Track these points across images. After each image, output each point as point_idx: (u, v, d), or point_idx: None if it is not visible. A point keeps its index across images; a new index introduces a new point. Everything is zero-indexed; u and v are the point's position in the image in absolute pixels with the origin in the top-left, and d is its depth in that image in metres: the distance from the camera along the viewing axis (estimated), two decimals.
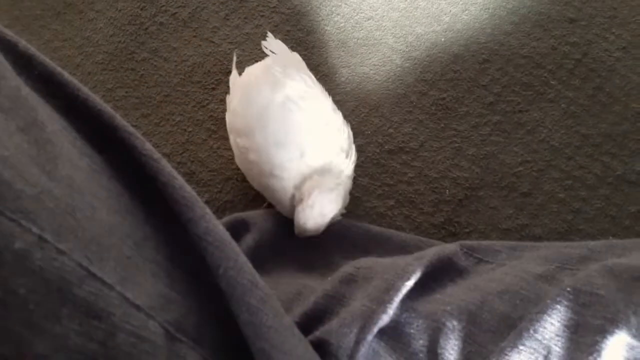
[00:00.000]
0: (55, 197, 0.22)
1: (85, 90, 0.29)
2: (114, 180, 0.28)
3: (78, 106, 0.28)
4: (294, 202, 0.46)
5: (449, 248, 0.38)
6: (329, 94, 0.55)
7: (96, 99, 0.29)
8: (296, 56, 0.55)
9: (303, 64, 0.55)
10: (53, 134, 0.25)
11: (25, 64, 0.28)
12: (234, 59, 0.59)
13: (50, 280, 0.20)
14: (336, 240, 0.50)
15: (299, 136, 0.46)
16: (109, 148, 0.28)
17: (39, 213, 0.21)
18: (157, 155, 0.29)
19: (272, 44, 0.55)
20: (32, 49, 0.29)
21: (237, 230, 0.50)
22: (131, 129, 0.29)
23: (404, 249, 0.47)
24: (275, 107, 0.47)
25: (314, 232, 0.46)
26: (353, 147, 0.53)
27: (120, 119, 0.29)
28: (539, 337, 0.28)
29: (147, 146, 0.29)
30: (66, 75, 0.29)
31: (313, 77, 0.53)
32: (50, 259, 0.20)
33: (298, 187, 0.46)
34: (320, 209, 0.45)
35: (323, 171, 0.47)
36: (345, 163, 0.49)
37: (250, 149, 0.47)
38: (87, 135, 0.28)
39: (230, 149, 0.61)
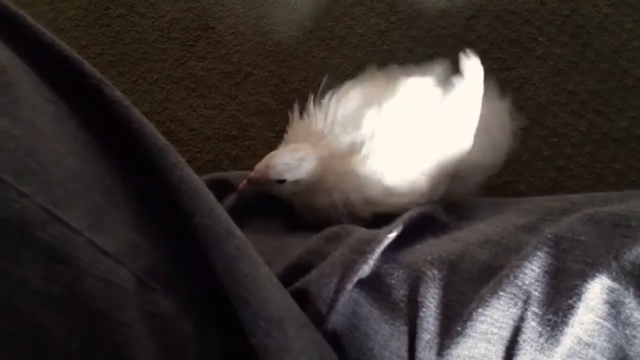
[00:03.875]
0: (16, 138, 0.21)
1: (49, 34, 0.28)
2: (82, 127, 0.27)
3: (42, 51, 0.27)
4: None
5: (431, 205, 0.38)
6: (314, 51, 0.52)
7: (62, 44, 0.28)
8: None
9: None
10: (14, 77, 0.24)
11: None
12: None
13: (9, 221, 0.19)
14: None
15: None
16: (77, 95, 0.27)
17: None
18: (127, 102, 0.27)
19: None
20: None
21: (220, 189, 0.49)
22: (99, 75, 0.28)
23: None
24: None
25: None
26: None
27: (88, 65, 0.28)
28: (519, 283, 0.28)
29: (116, 93, 0.27)
30: (29, 18, 0.28)
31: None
32: (9, 200, 0.20)
33: None
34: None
35: None
36: None
37: None
38: (53, 82, 0.27)
39: (210, 107, 0.60)
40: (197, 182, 0.27)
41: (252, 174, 0.45)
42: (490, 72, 0.59)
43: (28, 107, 0.23)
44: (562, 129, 0.56)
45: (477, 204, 0.38)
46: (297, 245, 0.39)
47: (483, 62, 0.59)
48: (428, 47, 0.60)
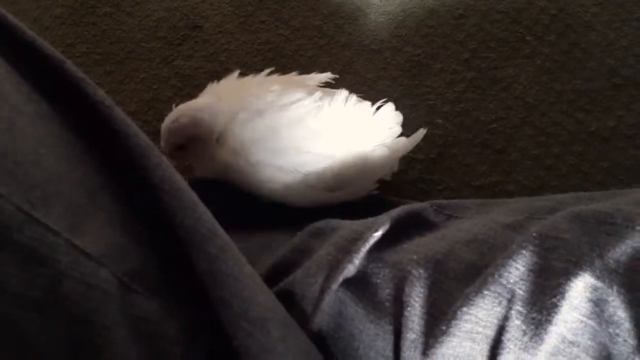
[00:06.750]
0: None
1: (30, 33, 0.27)
2: (65, 128, 0.26)
3: (23, 50, 0.26)
4: None
5: (419, 205, 0.37)
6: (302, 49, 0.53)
7: (43, 43, 0.27)
8: None
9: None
10: None
11: None
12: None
13: None
14: (307, 209, 0.49)
15: None
16: (58, 95, 0.27)
17: None
18: (109, 101, 0.27)
19: None
20: None
21: (204, 189, 0.49)
22: (82, 75, 0.27)
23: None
24: None
25: None
26: None
27: (70, 65, 0.28)
28: (504, 282, 0.27)
29: (99, 93, 0.27)
30: (10, 17, 0.27)
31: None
32: None
33: None
34: None
35: None
36: None
37: None
38: (35, 82, 0.26)
39: None
40: (180, 182, 0.26)
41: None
42: (479, 71, 0.59)
43: (7, 107, 0.23)
44: (550, 128, 0.57)
45: (466, 205, 0.38)
46: (282, 242, 0.39)
47: (471, 61, 0.59)
48: (416, 46, 0.60)
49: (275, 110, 0.45)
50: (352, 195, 0.49)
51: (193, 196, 0.26)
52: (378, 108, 0.49)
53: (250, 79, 0.49)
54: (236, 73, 0.50)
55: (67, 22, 0.62)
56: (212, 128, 0.45)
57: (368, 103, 0.49)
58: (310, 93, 0.46)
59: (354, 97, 0.48)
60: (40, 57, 0.26)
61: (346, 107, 0.47)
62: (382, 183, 0.55)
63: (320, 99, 0.46)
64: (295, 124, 0.45)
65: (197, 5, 0.62)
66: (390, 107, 0.50)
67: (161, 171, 0.26)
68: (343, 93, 0.48)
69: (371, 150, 0.47)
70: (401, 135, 0.50)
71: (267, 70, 0.50)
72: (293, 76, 0.50)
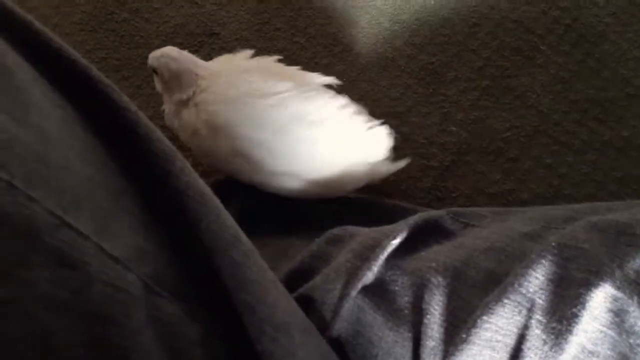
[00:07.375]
0: (26, 144, 0.21)
1: (57, 40, 0.28)
2: (90, 132, 0.27)
3: (50, 56, 0.27)
4: None
5: (436, 212, 0.38)
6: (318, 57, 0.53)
7: (70, 50, 0.28)
8: None
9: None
10: (23, 82, 0.24)
11: None
12: None
13: (18, 226, 0.19)
14: (324, 208, 0.49)
15: None
16: (84, 100, 0.27)
17: (9, 159, 0.20)
18: (134, 107, 0.28)
19: None
20: None
21: (225, 194, 0.49)
22: (107, 81, 0.28)
23: (389, 214, 0.47)
24: None
25: None
26: None
27: (95, 71, 0.28)
28: (523, 291, 0.28)
29: (123, 98, 0.28)
30: (37, 24, 0.28)
31: None
32: (19, 206, 0.20)
33: None
34: None
35: None
36: None
37: None
38: (61, 87, 0.27)
39: None
40: (204, 187, 0.27)
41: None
42: (493, 80, 0.59)
43: (37, 112, 0.23)
44: (563, 137, 0.57)
45: (482, 213, 0.38)
46: (300, 248, 0.39)
47: (485, 70, 0.59)
48: (431, 55, 0.60)
49: (256, 97, 0.45)
50: (330, 191, 0.48)
51: (216, 201, 0.27)
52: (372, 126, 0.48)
53: (255, 61, 0.49)
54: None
55: (86, 29, 0.63)
56: (190, 81, 0.48)
57: (364, 118, 0.47)
58: (299, 86, 0.45)
59: (352, 107, 0.47)
60: (66, 63, 0.27)
61: (341, 112, 0.46)
62: (396, 190, 0.56)
63: (309, 91, 0.45)
64: (276, 108, 0.44)
65: (214, 12, 0.63)
66: (384, 129, 0.48)
67: (186, 176, 0.26)
68: (343, 99, 0.46)
69: (350, 158, 0.47)
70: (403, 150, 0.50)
71: (276, 57, 0.50)
72: (297, 70, 0.49)
